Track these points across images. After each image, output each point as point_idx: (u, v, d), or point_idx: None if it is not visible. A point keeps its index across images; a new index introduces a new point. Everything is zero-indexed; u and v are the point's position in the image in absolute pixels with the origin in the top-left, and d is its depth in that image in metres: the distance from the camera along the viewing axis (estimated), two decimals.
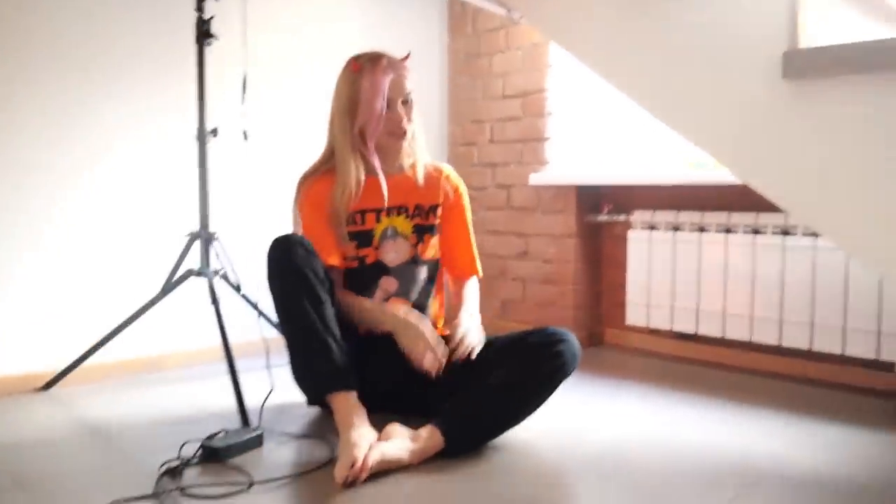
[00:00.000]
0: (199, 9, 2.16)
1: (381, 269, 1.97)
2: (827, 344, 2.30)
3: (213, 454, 1.65)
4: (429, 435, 1.67)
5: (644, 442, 1.81)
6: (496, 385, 1.75)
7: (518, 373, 1.76)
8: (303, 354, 1.74)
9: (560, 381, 1.77)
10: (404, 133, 1.91)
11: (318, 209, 1.90)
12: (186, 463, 1.62)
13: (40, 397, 2.20)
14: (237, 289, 2.32)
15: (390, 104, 1.87)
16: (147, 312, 2.24)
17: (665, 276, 2.66)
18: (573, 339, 1.80)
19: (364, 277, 1.96)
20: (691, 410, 2.07)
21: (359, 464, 1.53)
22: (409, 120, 1.92)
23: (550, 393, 1.78)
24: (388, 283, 1.98)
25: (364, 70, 1.86)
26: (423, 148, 2.02)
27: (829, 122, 1.20)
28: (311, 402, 1.94)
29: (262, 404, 1.95)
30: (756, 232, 2.45)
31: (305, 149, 2.86)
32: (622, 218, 2.83)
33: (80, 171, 2.32)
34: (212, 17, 2.16)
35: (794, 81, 1.23)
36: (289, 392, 1.94)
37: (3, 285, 2.20)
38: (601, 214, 2.90)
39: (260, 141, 2.72)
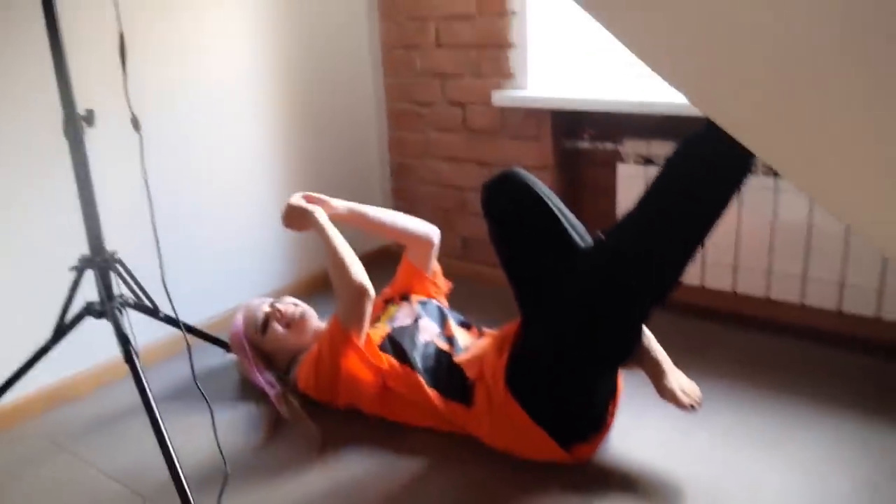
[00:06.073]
0: None
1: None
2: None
3: None
4: None
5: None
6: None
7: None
8: None
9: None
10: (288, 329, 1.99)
11: None
12: None
13: None
14: (155, 313, 1.79)
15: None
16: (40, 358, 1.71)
17: None
18: None
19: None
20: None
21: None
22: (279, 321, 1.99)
23: None
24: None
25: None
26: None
27: None
28: None
29: (220, 497, 1.52)
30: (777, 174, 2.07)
31: (217, 132, 2.27)
32: (609, 146, 2.37)
33: None
34: None
35: None
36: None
37: None
38: (581, 141, 2.43)
39: (156, 126, 2.07)
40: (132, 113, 1.50)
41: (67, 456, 1.77)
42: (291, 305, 2.04)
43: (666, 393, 1.62)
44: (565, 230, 1.56)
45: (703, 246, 1.49)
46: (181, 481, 1.46)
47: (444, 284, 2.18)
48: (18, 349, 1.77)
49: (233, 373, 2.13)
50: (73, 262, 1.67)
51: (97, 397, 2.03)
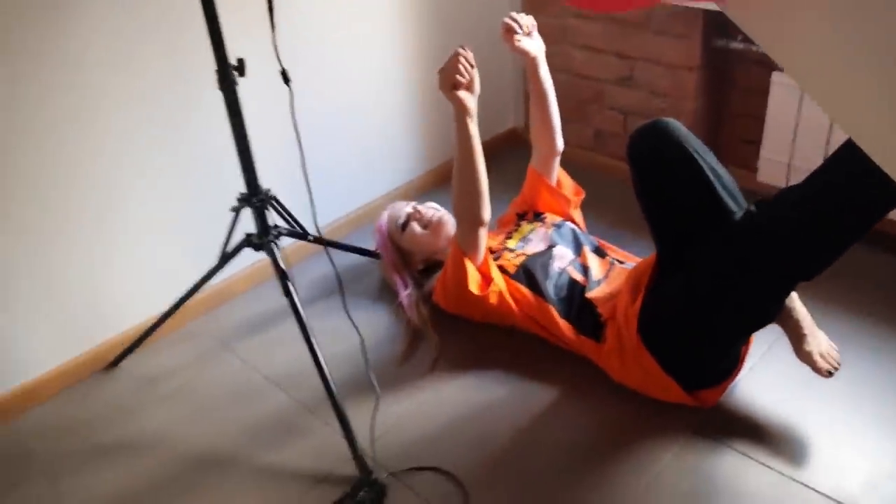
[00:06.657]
0: None
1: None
2: None
3: None
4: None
5: None
6: None
7: None
8: None
9: None
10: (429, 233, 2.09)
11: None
12: None
13: (112, 378, 1.97)
14: (304, 237, 1.91)
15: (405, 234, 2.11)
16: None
17: (817, 134, 2.13)
18: None
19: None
20: None
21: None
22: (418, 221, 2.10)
23: None
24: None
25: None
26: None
27: None
28: None
29: (372, 430, 1.68)
30: None
31: (348, 44, 2.23)
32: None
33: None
34: None
35: None
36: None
37: (41, 267, 1.81)
38: (734, 40, 2.24)
39: (304, 76, 2.08)
40: (282, 67, 1.51)
41: (232, 357, 1.99)
42: (432, 209, 2.13)
43: (804, 356, 1.62)
44: (716, 192, 1.50)
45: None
46: (336, 399, 1.62)
47: (575, 193, 2.17)
48: (191, 270, 1.95)
49: (374, 274, 2.27)
50: (235, 195, 1.78)
51: (252, 297, 2.23)
